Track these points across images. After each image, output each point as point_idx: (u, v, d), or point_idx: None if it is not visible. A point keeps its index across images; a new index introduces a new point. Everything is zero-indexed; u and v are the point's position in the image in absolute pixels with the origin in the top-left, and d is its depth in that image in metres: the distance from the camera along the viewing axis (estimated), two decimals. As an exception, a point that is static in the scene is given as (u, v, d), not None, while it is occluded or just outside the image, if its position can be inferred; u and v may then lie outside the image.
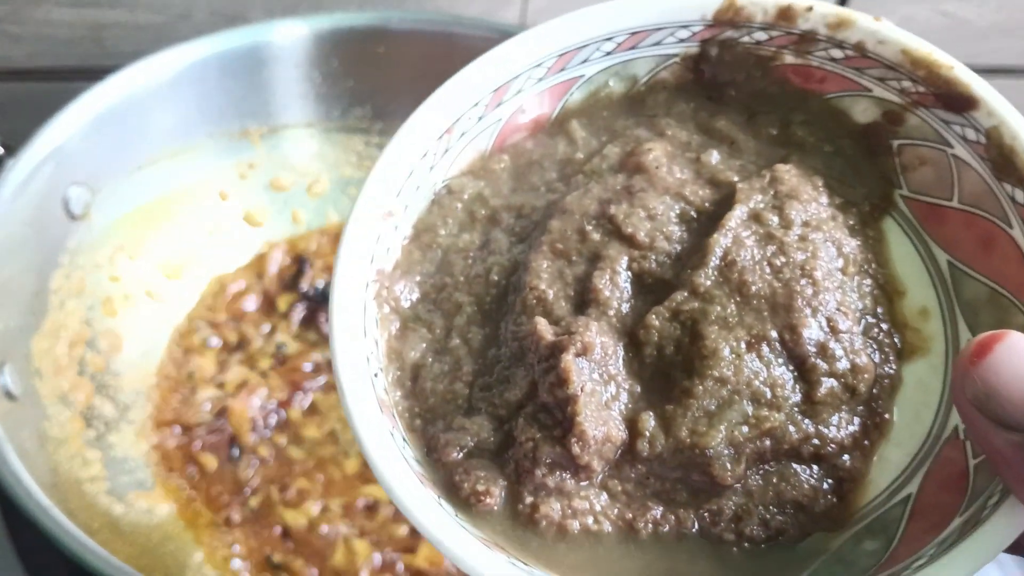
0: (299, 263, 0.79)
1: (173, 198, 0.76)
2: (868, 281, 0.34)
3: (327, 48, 0.78)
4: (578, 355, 0.30)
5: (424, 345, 0.34)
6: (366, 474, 0.66)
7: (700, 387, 0.31)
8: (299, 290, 0.78)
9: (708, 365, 0.31)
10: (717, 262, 0.32)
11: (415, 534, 0.64)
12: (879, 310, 0.34)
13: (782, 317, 0.32)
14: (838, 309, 0.32)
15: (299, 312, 0.76)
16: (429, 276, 0.35)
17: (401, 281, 0.35)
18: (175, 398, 0.70)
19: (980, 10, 0.89)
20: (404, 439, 0.32)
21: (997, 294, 0.32)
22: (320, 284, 0.78)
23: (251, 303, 0.76)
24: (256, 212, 0.81)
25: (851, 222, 0.35)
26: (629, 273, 0.33)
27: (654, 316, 0.32)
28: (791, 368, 0.32)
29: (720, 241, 0.32)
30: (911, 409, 0.33)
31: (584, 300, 0.33)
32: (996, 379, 0.26)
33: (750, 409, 0.31)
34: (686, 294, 0.32)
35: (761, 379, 0.31)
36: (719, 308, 0.32)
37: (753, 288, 0.32)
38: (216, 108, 0.77)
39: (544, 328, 0.32)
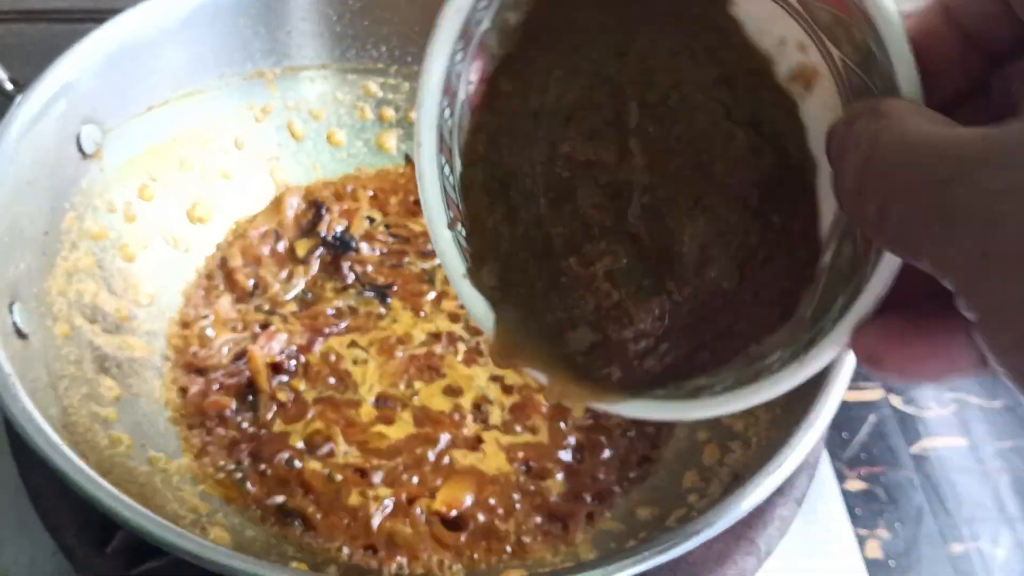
0: (316, 208, 0.77)
1: (186, 140, 0.74)
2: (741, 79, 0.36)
3: (343, -15, 0.76)
4: None
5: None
6: (382, 418, 0.65)
7: None
8: (318, 235, 0.76)
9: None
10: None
11: (434, 475, 0.62)
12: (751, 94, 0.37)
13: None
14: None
15: (319, 258, 0.75)
16: None
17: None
18: (192, 341, 0.69)
19: None
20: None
21: (837, 17, 0.34)
22: (339, 230, 0.76)
23: (269, 248, 0.75)
24: (271, 156, 0.79)
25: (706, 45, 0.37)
26: None
27: None
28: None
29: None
30: (822, 130, 0.34)
31: None
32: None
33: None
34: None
35: None
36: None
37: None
38: (229, 48, 0.75)
39: None
